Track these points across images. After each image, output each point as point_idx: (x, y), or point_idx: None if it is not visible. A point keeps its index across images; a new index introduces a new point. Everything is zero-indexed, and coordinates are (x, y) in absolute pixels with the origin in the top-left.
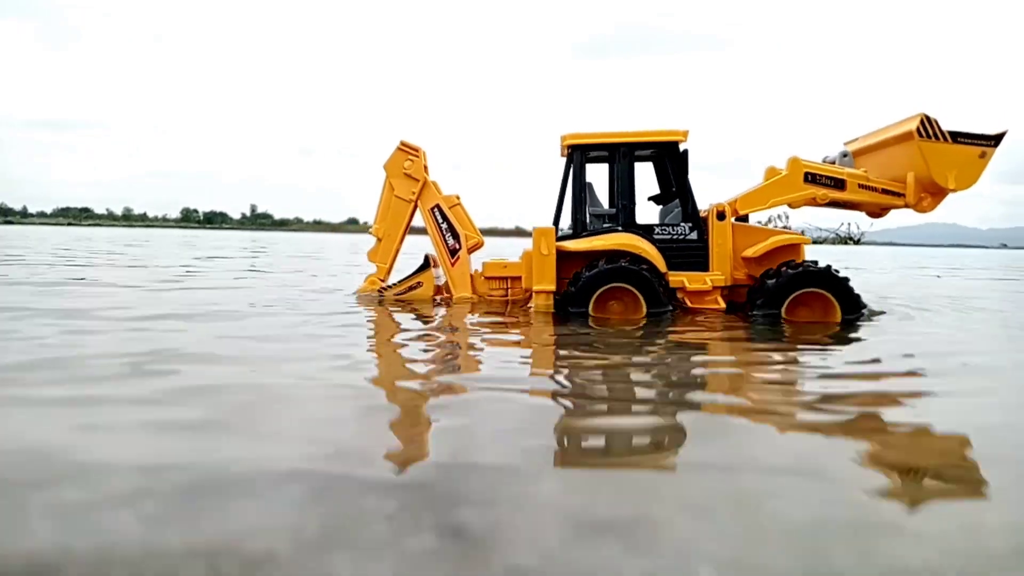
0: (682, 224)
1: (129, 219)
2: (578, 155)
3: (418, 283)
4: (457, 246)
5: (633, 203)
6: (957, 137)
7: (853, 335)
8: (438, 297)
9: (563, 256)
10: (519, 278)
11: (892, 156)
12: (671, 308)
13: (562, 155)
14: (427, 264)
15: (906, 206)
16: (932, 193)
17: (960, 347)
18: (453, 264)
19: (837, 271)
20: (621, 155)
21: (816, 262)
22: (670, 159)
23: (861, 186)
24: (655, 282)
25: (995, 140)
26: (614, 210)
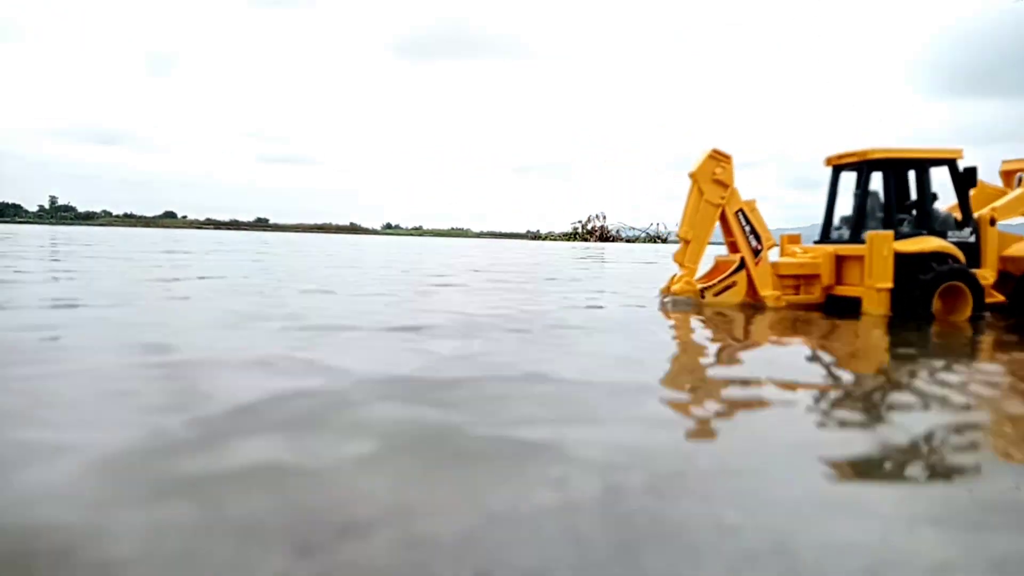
0: (965, 228)
1: None
2: (890, 168)
3: (733, 283)
4: (759, 247)
5: (931, 210)
6: None
7: None
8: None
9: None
10: (816, 276)
11: None
12: (987, 309)
13: (827, 164)
14: (743, 265)
15: None
16: None
17: None
18: (757, 264)
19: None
20: (923, 169)
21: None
22: (952, 172)
23: None
24: (980, 284)
25: None
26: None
